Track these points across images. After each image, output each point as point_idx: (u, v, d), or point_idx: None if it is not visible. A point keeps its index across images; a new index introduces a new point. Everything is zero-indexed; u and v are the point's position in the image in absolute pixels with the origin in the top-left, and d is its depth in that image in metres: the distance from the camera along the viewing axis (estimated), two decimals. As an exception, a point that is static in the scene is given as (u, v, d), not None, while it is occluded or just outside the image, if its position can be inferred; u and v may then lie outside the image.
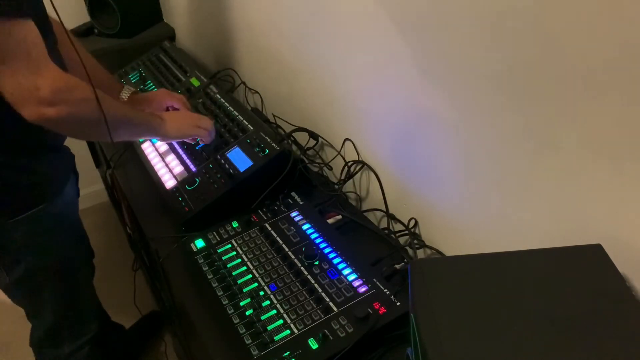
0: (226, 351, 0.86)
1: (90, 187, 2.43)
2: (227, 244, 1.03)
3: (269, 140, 1.16)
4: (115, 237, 2.29)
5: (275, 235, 1.03)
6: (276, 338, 0.84)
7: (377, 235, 1.10)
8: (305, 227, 1.04)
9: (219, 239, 1.05)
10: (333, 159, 1.27)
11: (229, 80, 1.70)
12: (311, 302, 0.89)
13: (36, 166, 1.05)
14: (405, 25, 0.91)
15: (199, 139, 1.17)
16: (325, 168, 1.30)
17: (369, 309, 0.85)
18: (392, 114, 1.04)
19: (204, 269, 0.98)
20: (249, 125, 1.22)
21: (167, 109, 1.27)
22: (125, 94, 1.23)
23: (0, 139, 0.99)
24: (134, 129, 1.04)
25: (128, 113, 1.01)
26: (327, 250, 0.98)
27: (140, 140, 1.36)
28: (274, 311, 0.88)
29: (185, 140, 1.18)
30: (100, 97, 0.90)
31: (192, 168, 1.20)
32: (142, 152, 1.33)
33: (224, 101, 1.35)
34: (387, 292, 0.89)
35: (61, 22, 0.93)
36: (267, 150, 1.13)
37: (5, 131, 0.98)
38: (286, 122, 1.41)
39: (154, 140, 1.34)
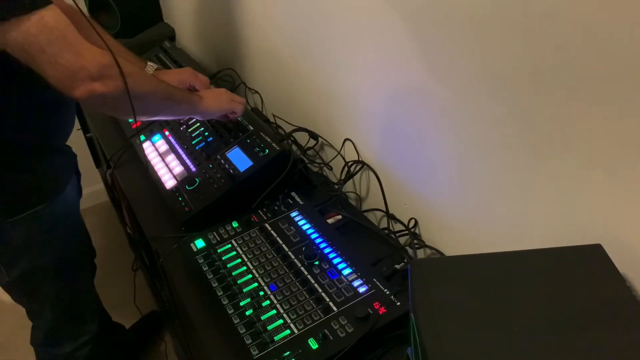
0: (226, 351, 0.86)
1: (91, 187, 2.43)
2: (227, 244, 1.03)
3: (269, 140, 1.16)
4: (115, 237, 2.29)
5: (275, 235, 1.03)
6: (276, 338, 0.84)
7: (377, 235, 1.10)
8: (305, 227, 1.04)
9: (219, 239, 1.05)
10: (333, 159, 1.27)
11: (229, 80, 1.70)
12: (311, 302, 0.89)
13: (38, 166, 1.05)
14: (407, 25, 0.91)
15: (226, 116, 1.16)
16: (325, 168, 1.30)
17: (369, 309, 0.85)
18: (393, 114, 1.04)
19: (204, 269, 0.98)
20: (249, 125, 1.22)
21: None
22: (149, 71, 1.19)
23: (3, 140, 0.99)
24: (175, 106, 1.02)
25: (170, 89, 0.99)
26: (327, 250, 0.98)
27: (142, 138, 1.36)
28: (274, 311, 0.88)
29: (217, 117, 1.16)
30: (143, 73, 0.89)
31: (192, 168, 1.20)
32: (142, 152, 1.33)
33: (224, 101, 1.34)
34: (387, 292, 0.89)
35: (76, 4, 0.92)
36: (267, 150, 1.13)
37: (8, 132, 0.99)
38: (286, 122, 1.41)
39: (154, 139, 1.34)
